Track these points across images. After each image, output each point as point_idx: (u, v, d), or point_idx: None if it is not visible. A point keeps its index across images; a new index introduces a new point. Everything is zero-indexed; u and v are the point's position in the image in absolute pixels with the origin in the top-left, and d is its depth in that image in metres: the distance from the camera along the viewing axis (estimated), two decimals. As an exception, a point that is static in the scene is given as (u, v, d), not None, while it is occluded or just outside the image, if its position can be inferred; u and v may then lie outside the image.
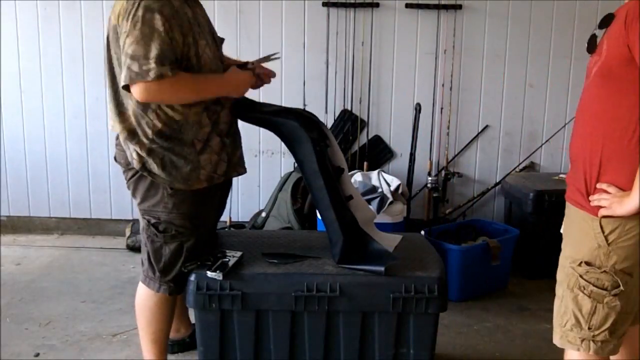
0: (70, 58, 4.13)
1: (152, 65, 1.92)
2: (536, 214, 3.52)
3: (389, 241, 2.40)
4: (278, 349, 2.20)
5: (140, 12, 1.94)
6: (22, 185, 4.32)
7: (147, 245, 2.22)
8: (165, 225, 2.17)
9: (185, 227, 2.18)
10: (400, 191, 3.60)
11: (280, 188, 3.89)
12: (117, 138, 2.22)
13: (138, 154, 2.10)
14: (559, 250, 3.66)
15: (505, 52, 4.08)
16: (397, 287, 2.11)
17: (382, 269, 2.12)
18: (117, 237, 4.23)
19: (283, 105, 2.64)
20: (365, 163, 4.04)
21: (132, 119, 2.10)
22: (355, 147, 4.15)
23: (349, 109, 4.09)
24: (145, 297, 2.29)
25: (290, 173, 3.94)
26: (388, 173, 3.80)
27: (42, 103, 4.20)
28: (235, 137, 2.30)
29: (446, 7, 3.98)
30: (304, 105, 4.04)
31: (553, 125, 4.11)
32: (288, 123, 2.23)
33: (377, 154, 4.16)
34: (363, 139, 4.15)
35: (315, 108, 4.02)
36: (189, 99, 2.08)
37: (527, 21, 4.04)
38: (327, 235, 2.27)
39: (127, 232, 4.04)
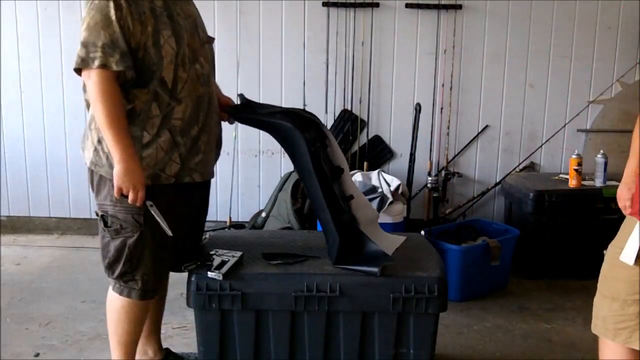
0: (70, 58, 4.00)
1: (99, 53, 1.94)
2: (536, 214, 3.52)
3: (393, 242, 2.40)
4: (278, 349, 2.20)
5: (96, 0, 1.96)
6: (22, 185, 4.32)
7: (100, 241, 2.19)
8: (111, 219, 2.10)
9: (128, 222, 2.08)
10: (400, 191, 3.60)
11: (280, 188, 3.89)
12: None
13: (90, 146, 2.10)
14: (559, 250, 3.65)
15: (505, 52, 4.08)
16: (397, 287, 2.11)
17: (377, 270, 2.12)
18: (117, 237, 4.22)
19: (283, 105, 2.65)
20: (365, 163, 4.04)
21: (89, 103, 2.10)
22: (355, 147, 4.15)
23: (349, 109, 4.09)
24: (112, 298, 2.22)
25: (290, 173, 3.93)
26: (388, 173, 3.80)
27: (42, 103, 4.20)
28: (196, 141, 2.12)
29: (446, 7, 3.98)
30: (304, 105, 4.04)
31: (553, 125, 4.11)
32: (282, 124, 2.21)
33: (377, 154, 4.16)
34: (363, 139, 4.15)
35: (315, 108, 4.02)
36: (100, 110, 1.98)
37: (527, 21, 4.04)
38: (324, 236, 2.27)
39: (127, 232, 4.04)
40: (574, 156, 3.60)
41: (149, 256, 2.13)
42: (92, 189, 2.17)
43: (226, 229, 3.93)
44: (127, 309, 2.20)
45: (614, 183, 3.53)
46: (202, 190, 2.32)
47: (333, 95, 4.08)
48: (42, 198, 4.32)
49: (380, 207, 3.42)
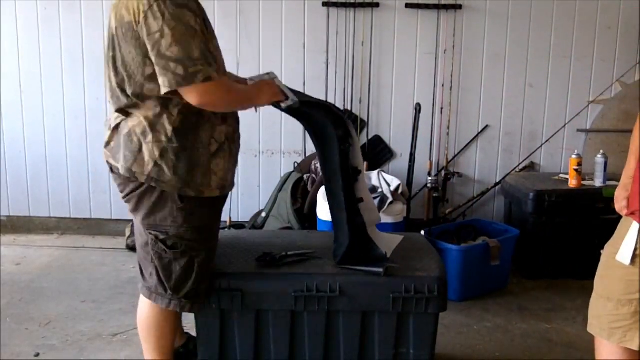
0: (70, 58, 4.13)
1: (199, 67, 1.82)
2: (536, 214, 3.52)
3: (390, 242, 2.40)
4: (278, 349, 2.20)
5: (169, 10, 1.81)
6: (22, 185, 4.32)
7: (154, 262, 2.06)
8: (174, 240, 2.02)
9: (196, 241, 2.04)
10: (400, 191, 3.60)
11: (280, 188, 3.89)
12: (109, 149, 2.10)
13: (145, 161, 1.96)
14: (559, 250, 3.65)
15: (505, 52, 4.08)
16: (397, 287, 2.11)
17: (381, 270, 2.12)
18: (117, 237, 4.23)
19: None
20: (365, 163, 4.03)
21: (148, 115, 1.94)
22: (355, 147, 4.14)
23: (349, 108, 4.09)
24: (152, 314, 2.15)
25: (290, 173, 3.94)
26: (388, 173, 3.80)
27: (42, 103, 4.20)
28: (238, 146, 2.18)
29: (446, 7, 3.98)
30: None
31: (553, 125, 4.11)
32: (319, 117, 2.20)
33: (377, 154, 4.16)
34: (363, 139, 4.15)
35: (315, 108, 4.01)
36: (235, 104, 2.03)
37: (527, 21, 4.04)
38: (334, 234, 2.27)
39: (127, 232, 4.04)
40: (574, 156, 3.60)
41: (211, 267, 2.13)
42: (139, 208, 2.04)
43: (226, 229, 3.92)
44: (171, 320, 2.18)
45: (614, 183, 3.52)
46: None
47: (333, 95, 4.08)
48: (42, 198, 4.32)
49: (380, 207, 3.41)
